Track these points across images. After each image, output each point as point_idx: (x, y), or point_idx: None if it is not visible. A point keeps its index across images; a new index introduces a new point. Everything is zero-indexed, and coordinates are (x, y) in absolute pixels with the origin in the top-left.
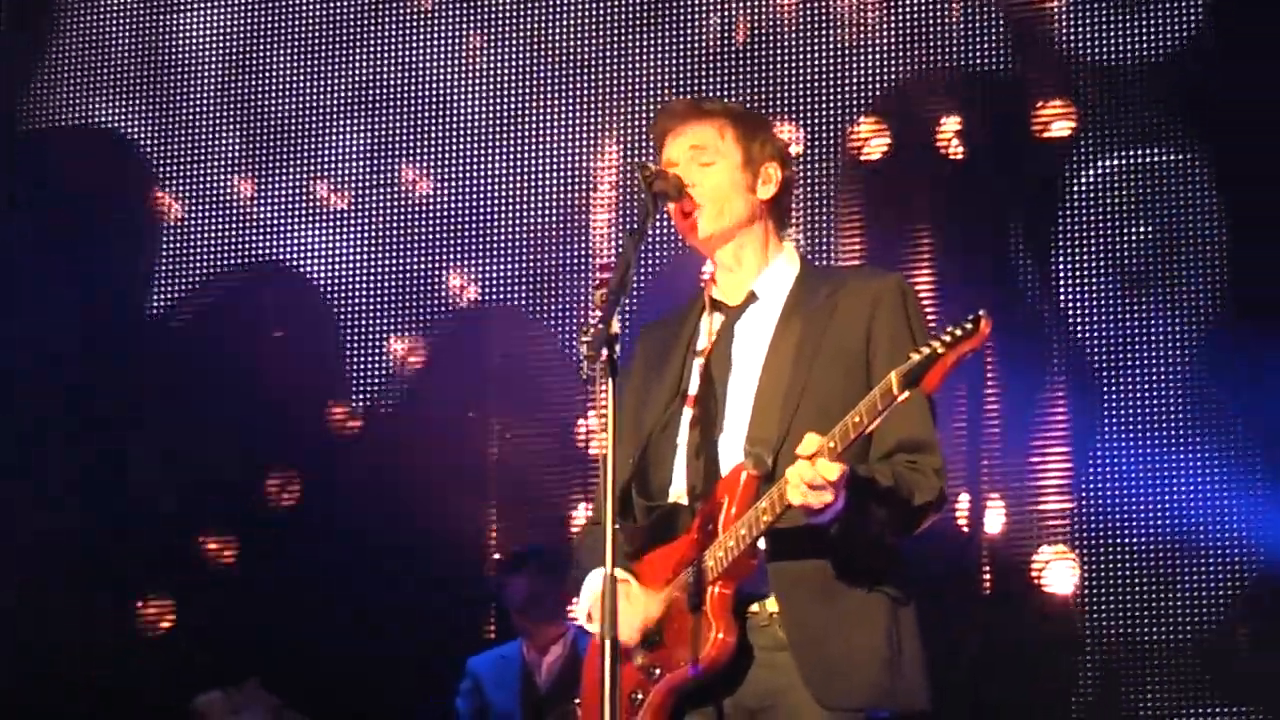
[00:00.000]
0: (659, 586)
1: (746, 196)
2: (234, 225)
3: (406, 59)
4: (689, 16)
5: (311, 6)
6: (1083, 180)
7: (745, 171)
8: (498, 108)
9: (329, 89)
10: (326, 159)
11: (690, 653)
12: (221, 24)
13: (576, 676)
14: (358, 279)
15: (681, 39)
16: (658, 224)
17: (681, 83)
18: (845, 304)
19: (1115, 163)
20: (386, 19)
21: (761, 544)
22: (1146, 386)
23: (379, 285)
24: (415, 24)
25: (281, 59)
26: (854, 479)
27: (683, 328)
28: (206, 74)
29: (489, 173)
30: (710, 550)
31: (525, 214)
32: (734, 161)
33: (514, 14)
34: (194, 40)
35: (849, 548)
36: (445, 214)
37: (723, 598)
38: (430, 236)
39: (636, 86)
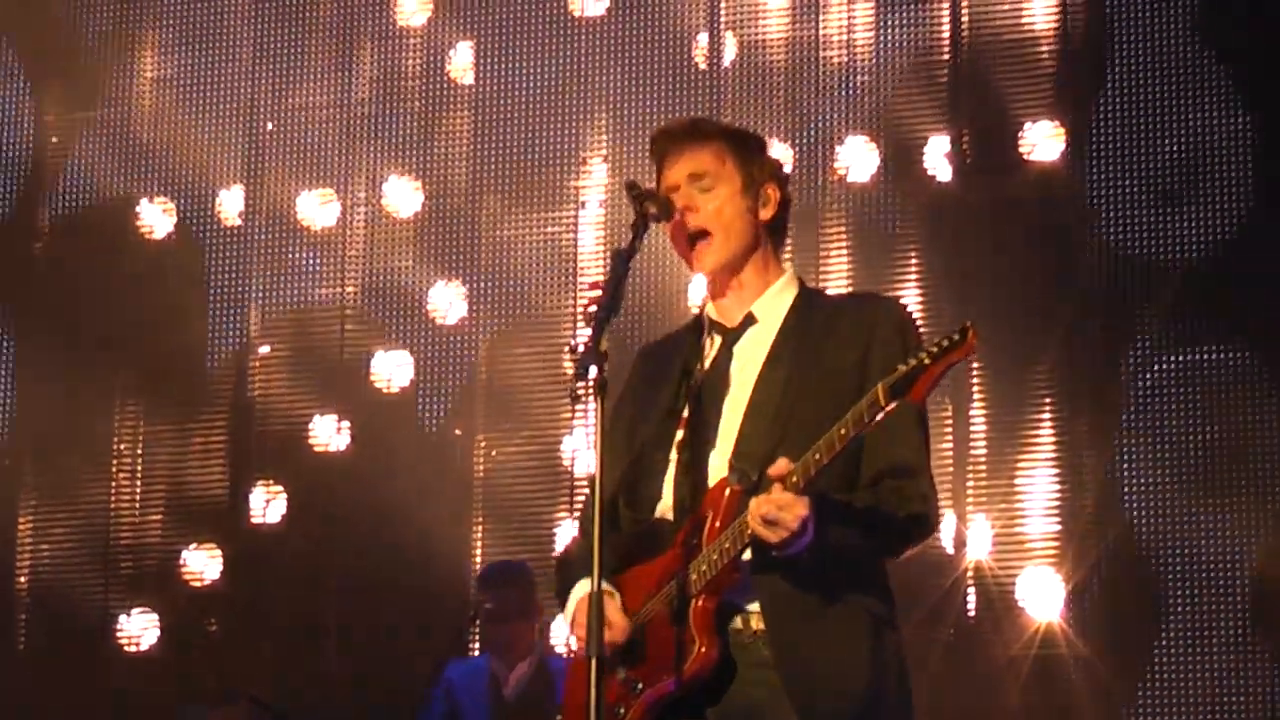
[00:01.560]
0: (642, 600)
1: (748, 220)
2: (220, 239)
3: (396, 74)
4: (678, 37)
5: (302, 22)
6: (1072, 201)
7: (746, 196)
8: (487, 125)
9: (318, 104)
10: (314, 174)
11: (672, 666)
12: (210, 38)
13: (542, 692)
14: (344, 295)
15: (671, 59)
16: (646, 243)
17: (670, 103)
18: (842, 328)
19: (1101, 187)
20: (376, 34)
21: (746, 556)
22: (1134, 409)
23: (366, 302)
24: (406, 40)
25: (268, 73)
26: (829, 513)
27: (680, 348)
28: (192, 87)
29: (477, 190)
30: (694, 564)
31: (513, 230)
32: (734, 186)
33: (505, 31)
34: (181, 52)
35: (831, 568)
36: (433, 230)
37: (705, 611)
38: (418, 252)
39: (625, 106)
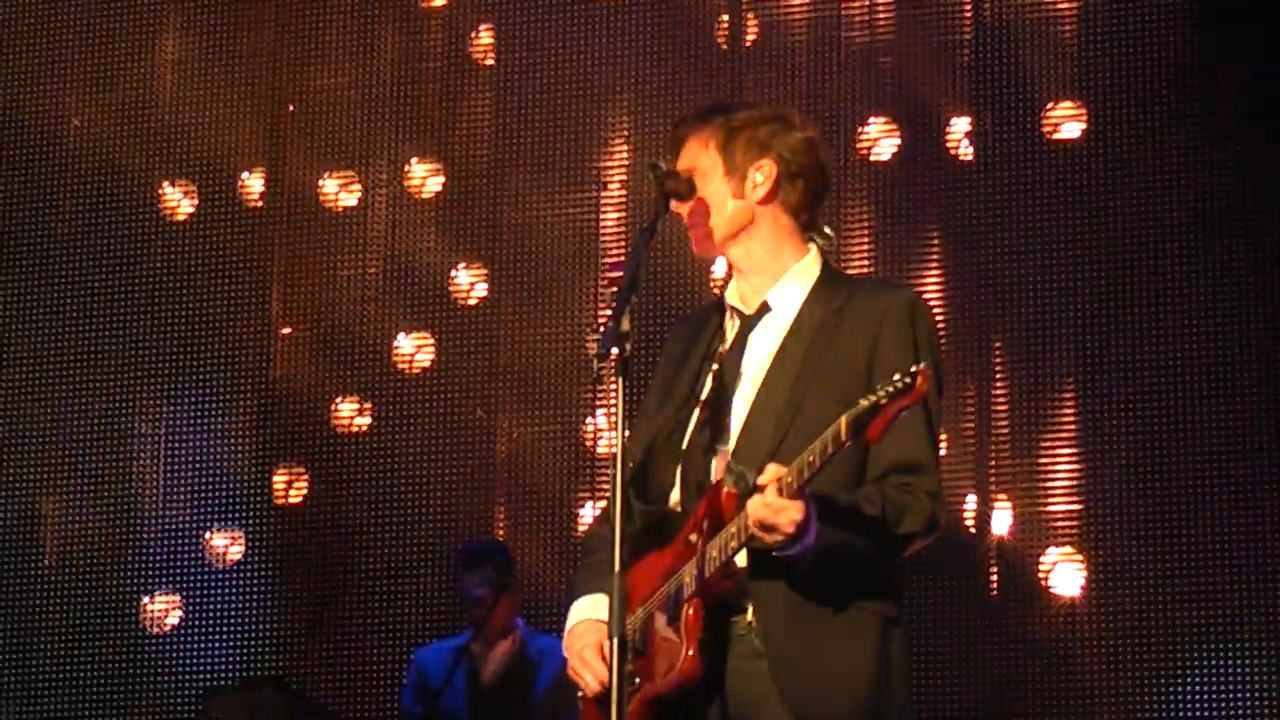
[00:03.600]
0: (648, 592)
1: (734, 203)
2: (242, 221)
3: (418, 55)
4: (701, 16)
5: (324, 3)
6: (1093, 181)
7: (729, 180)
8: (509, 107)
9: (338, 84)
10: (336, 154)
11: (668, 665)
12: (231, 19)
13: (521, 675)
14: (366, 277)
15: (692, 39)
16: (670, 222)
17: (692, 83)
18: (853, 318)
19: (1126, 164)
20: (397, 16)
21: (743, 561)
22: (1155, 388)
23: (388, 283)
24: (426, 19)
25: (290, 55)
26: (830, 514)
27: (705, 330)
28: (214, 69)
29: (499, 171)
30: (687, 567)
31: (535, 211)
32: (717, 173)
33: (526, 12)
34: (201, 34)
35: (832, 571)
36: (455, 211)
37: (696, 615)
38: (440, 234)
39: (647, 86)
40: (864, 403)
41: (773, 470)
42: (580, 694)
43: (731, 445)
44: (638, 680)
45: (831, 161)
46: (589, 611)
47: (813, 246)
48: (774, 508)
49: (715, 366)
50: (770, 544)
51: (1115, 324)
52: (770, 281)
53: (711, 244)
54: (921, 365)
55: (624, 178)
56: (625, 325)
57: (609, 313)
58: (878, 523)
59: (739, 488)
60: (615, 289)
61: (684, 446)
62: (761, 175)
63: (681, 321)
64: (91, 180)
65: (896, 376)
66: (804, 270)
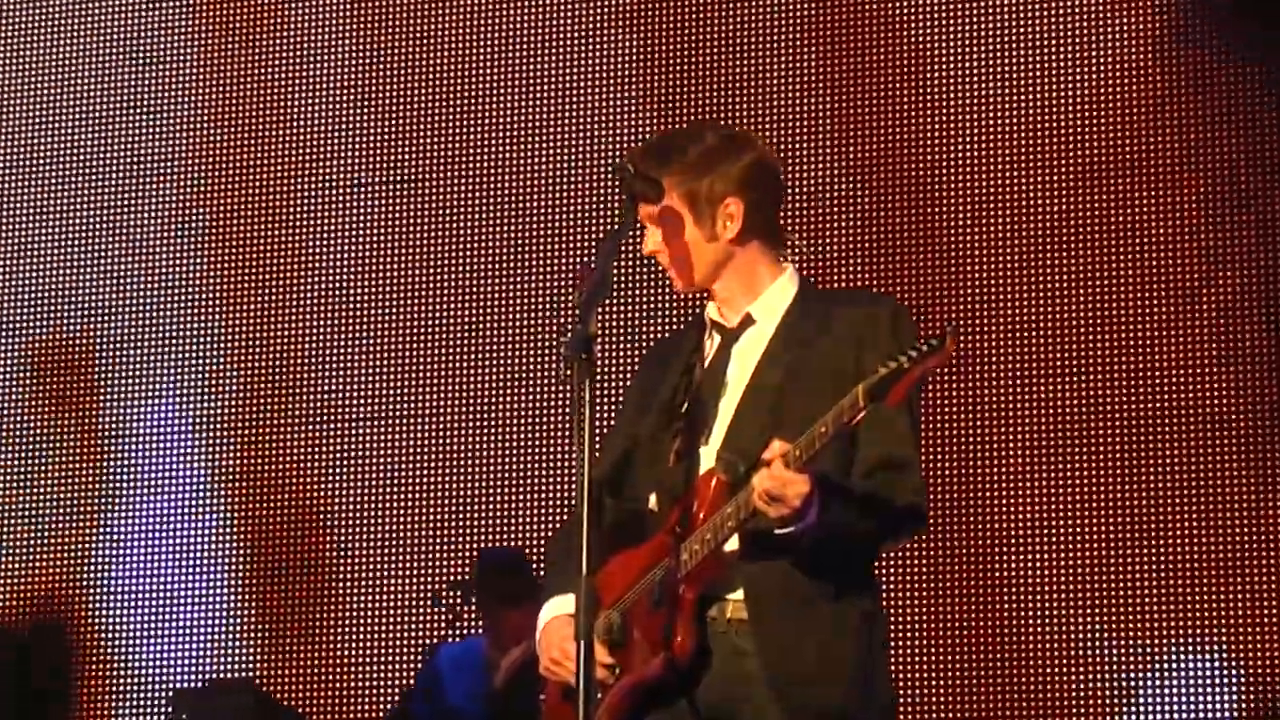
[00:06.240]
0: (625, 587)
1: (707, 247)
2: (221, 224)
3: (394, 55)
4: (671, 19)
5: (302, 6)
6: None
7: (699, 227)
8: (483, 108)
9: (314, 89)
10: (314, 159)
11: (650, 654)
12: (203, 25)
13: (534, 679)
14: (344, 276)
15: (659, 42)
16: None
17: (660, 85)
18: (838, 326)
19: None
20: (371, 17)
21: (734, 547)
22: (1118, 383)
23: (365, 282)
24: (402, 22)
25: (273, 58)
26: (830, 491)
27: (684, 346)
28: (191, 72)
29: (472, 176)
30: (673, 554)
31: (507, 216)
32: (687, 222)
33: (500, 12)
34: (177, 40)
35: (822, 558)
36: (425, 216)
37: (685, 601)
38: (417, 235)
39: (619, 85)
40: (883, 370)
41: (778, 445)
42: (543, 696)
43: (717, 447)
44: (619, 671)
45: (780, 162)
46: (561, 609)
47: (789, 266)
48: (781, 479)
49: (697, 378)
50: (773, 520)
51: (1075, 318)
52: (751, 298)
53: (694, 285)
54: (949, 328)
55: (598, 178)
56: (593, 328)
57: (577, 314)
58: (872, 510)
59: (730, 475)
60: (582, 291)
61: (663, 452)
62: (730, 214)
63: (655, 347)
64: (49, 188)
65: (920, 340)
66: (783, 287)
